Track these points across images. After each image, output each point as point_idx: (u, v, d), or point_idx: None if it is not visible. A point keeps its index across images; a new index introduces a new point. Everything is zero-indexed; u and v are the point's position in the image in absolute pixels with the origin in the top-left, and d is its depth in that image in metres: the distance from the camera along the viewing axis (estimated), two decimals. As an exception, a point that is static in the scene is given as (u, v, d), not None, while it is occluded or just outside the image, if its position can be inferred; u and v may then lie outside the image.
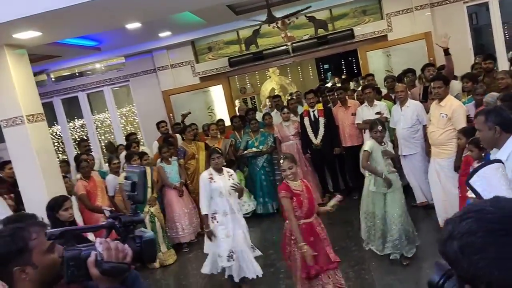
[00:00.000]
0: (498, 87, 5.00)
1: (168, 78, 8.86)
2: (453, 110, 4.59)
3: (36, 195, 4.16)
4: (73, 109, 9.75)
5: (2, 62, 4.01)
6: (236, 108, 9.11)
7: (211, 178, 4.28)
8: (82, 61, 8.46)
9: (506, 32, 8.91)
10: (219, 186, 4.24)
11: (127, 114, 10.07)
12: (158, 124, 7.38)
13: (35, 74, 5.37)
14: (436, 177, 4.83)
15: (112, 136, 9.71)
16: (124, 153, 6.67)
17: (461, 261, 0.88)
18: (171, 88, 8.77)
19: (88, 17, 4.03)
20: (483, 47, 9.39)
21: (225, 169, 4.45)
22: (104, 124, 10.09)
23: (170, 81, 8.86)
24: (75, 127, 9.95)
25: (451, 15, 8.13)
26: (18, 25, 3.68)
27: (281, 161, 3.73)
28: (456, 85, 5.69)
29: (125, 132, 9.59)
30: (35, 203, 3.87)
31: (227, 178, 4.31)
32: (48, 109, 8.82)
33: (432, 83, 4.90)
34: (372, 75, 7.52)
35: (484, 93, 4.78)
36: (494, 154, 2.71)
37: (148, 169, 5.46)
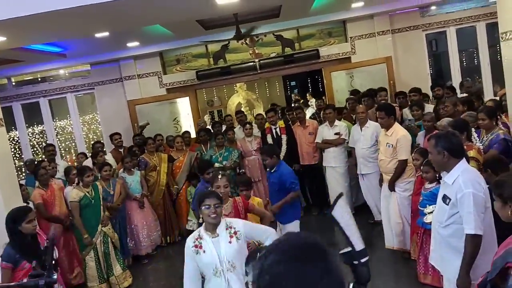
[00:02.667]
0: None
1: (135, 88, 8.82)
2: (397, 139, 4.73)
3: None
4: (33, 115, 9.50)
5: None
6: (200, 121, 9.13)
7: (198, 246, 2.76)
8: (46, 67, 8.29)
9: (464, 59, 9.44)
10: (212, 259, 2.74)
11: (90, 122, 9.90)
12: (111, 136, 7.05)
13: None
14: (384, 200, 5.03)
15: (74, 144, 9.52)
16: (84, 161, 6.56)
17: None
18: (137, 98, 8.73)
19: (56, 24, 4.01)
20: (441, 73, 9.89)
21: (225, 221, 2.85)
22: (65, 131, 9.88)
23: (136, 91, 8.82)
24: (34, 133, 9.68)
25: (411, 41, 8.56)
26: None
27: (219, 176, 3.59)
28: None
29: (87, 140, 9.44)
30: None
31: (227, 239, 2.77)
32: (7, 113, 8.58)
33: (377, 113, 5.04)
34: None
35: (432, 119, 4.94)
36: (444, 176, 2.89)
37: (99, 184, 5.33)
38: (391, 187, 4.77)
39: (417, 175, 4.49)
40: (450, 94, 6.31)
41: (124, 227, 5.80)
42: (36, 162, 6.56)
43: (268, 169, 4.80)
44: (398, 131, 4.83)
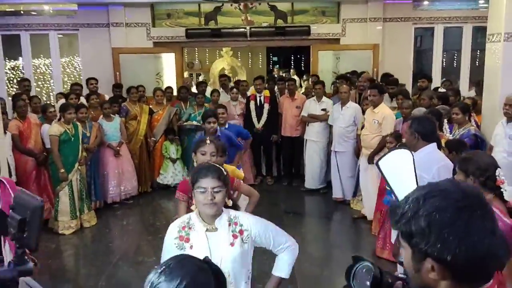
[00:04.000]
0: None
1: (121, 36, 8.64)
2: (384, 117, 5.04)
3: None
4: (10, 49, 9.18)
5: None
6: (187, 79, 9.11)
7: (184, 239, 2.04)
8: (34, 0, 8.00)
9: (445, 60, 9.73)
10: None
11: (67, 65, 9.67)
12: (87, 80, 7.07)
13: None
14: (364, 173, 5.30)
15: (48, 84, 9.31)
16: (61, 101, 6.49)
17: (428, 236, 0.95)
18: (122, 47, 8.58)
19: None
20: (421, 70, 10.17)
21: (229, 214, 2.10)
22: (38, 70, 9.61)
23: (122, 39, 8.64)
24: (11, 68, 9.39)
25: (400, 32, 8.73)
26: None
27: (207, 141, 2.92)
28: None
29: (65, 82, 9.25)
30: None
31: (228, 239, 2.03)
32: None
33: (369, 91, 5.33)
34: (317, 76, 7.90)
35: (410, 107, 5.11)
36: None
37: (80, 125, 5.35)
38: (370, 160, 5.03)
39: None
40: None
41: (95, 171, 5.83)
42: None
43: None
44: (385, 110, 5.14)
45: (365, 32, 8.63)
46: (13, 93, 7.86)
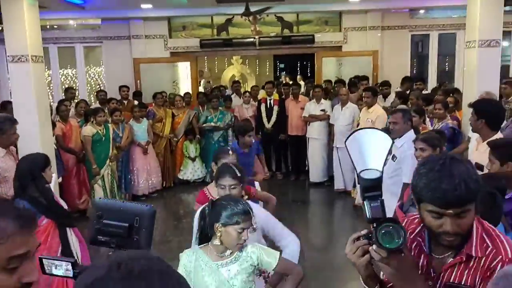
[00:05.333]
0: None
1: (141, 47, 9.45)
2: (377, 116, 5.73)
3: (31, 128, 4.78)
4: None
5: (18, 9, 4.65)
6: (201, 87, 9.90)
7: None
8: (62, 16, 8.84)
9: (447, 63, 10.38)
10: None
11: (92, 74, 10.50)
12: (120, 87, 7.96)
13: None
14: None
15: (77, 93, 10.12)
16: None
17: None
18: (142, 57, 9.39)
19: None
20: (422, 73, 10.85)
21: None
22: (66, 80, 10.44)
23: (142, 50, 9.45)
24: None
25: (398, 39, 9.44)
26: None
27: (230, 152, 3.14)
28: None
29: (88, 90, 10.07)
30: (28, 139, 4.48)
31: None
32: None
33: (364, 93, 6.06)
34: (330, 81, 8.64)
35: (397, 105, 5.80)
36: (396, 141, 3.88)
37: (111, 126, 6.17)
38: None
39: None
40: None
41: (126, 167, 6.61)
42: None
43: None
44: (378, 110, 5.85)
45: (365, 40, 9.35)
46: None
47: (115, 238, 1.51)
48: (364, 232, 1.37)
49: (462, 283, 1.41)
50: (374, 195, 1.35)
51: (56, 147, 5.66)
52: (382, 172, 1.35)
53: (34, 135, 4.82)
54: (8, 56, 4.73)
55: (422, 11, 9.53)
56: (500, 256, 1.37)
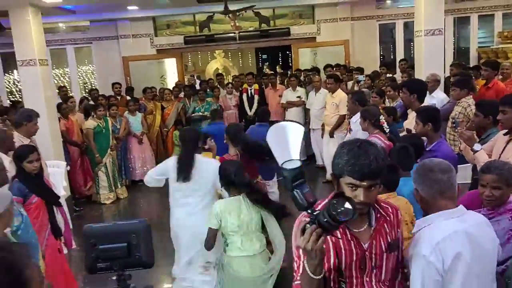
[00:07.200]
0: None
1: (129, 46, 10.12)
2: (340, 100, 6.48)
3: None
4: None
5: (25, 17, 5.31)
6: (187, 81, 10.61)
7: None
8: (53, 20, 9.43)
9: (411, 48, 11.15)
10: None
11: (83, 74, 11.12)
12: (113, 84, 8.56)
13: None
14: (326, 145, 6.83)
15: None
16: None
17: None
18: (130, 55, 10.05)
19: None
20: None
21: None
22: (58, 80, 11.06)
23: (130, 49, 10.11)
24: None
25: (366, 29, 10.25)
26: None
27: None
28: None
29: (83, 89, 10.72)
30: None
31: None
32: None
33: (327, 80, 6.83)
34: (300, 70, 9.41)
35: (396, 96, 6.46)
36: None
37: (110, 119, 6.89)
38: (331, 135, 6.54)
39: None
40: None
41: (124, 156, 7.35)
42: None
43: None
44: (341, 94, 6.60)
45: (337, 30, 10.13)
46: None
47: (116, 261, 1.48)
48: (306, 219, 1.41)
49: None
50: (301, 182, 1.39)
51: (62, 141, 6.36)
52: (301, 161, 1.43)
53: (44, 131, 5.50)
54: (18, 60, 5.41)
55: (388, 2, 10.34)
56: (393, 208, 1.79)
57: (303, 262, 1.50)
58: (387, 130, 4.03)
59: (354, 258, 1.65)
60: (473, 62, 9.59)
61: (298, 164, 1.40)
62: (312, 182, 7.40)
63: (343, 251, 1.65)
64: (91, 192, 6.80)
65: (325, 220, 1.34)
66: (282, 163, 1.40)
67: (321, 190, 7.05)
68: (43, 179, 3.66)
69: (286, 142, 1.44)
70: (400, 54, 10.43)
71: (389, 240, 1.71)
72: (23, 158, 3.40)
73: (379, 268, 1.69)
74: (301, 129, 1.49)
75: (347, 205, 1.34)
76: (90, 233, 1.58)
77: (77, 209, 6.41)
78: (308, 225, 1.38)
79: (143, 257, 1.49)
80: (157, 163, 7.95)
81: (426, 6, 5.64)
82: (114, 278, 1.54)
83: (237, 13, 9.67)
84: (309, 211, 1.39)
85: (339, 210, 1.33)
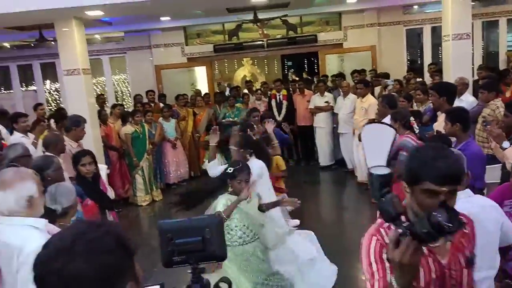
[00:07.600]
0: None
1: (161, 55, 10.51)
2: (369, 104, 6.59)
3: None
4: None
5: (69, 29, 5.70)
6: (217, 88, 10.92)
7: None
8: (90, 31, 9.91)
9: (440, 53, 11.14)
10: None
11: (116, 82, 11.59)
12: (147, 92, 8.91)
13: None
14: (356, 148, 6.93)
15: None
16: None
17: None
18: (162, 64, 10.44)
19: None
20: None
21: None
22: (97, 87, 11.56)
23: (162, 57, 10.50)
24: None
25: (393, 34, 10.32)
26: (95, 8, 5.39)
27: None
28: None
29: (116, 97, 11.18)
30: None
31: None
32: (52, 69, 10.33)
33: (357, 85, 6.99)
34: (327, 76, 9.57)
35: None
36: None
37: (146, 126, 7.21)
38: (360, 138, 6.67)
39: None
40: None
41: (159, 160, 7.67)
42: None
43: None
44: (371, 99, 6.72)
45: (364, 36, 10.24)
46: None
47: (191, 255, 1.53)
48: (399, 230, 1.28)
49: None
50: (387, 190, 1.31)
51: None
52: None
53: (87, 136, 5.82)
54: (63, 70, 5.79)
55: (415, 7, 10.40)
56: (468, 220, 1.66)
57: (381, 279, 1.43)
58: (417, 131, 4.15)
59: (434, 275, 1.53)
60: (502, 66, 9.54)
61: (387, 170, 1.39)
62: (341, 186, 7.56)
63: (421, 268, 1.49)
64: (128, 194, 7.13)
65: (425, 231, 1.21)
66: (370, 168, 1.37)
67: (348, 194, 7.19)
68: (99, 184, 3.83)
69: (379, 146, 1.46)
70: (427, 59, 10.44)
71: (467, 255, 1.60)
72: (77, 162, 3.61)
73: (459, 285, 1.59)
74: (392, 133, 1.47)
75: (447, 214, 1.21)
76: (165, 229, 1.62)
77: (116, 210, 6.72)
78: (402, 236, 1.26)
79: (217, 250, 1.54)
80: (190, 166, 8.31)
81: (454, 11, 5.74)
82: (189, 271, 1.60)
83: (265, 22, 9.96)
84: (397, 222, 1.29)
85: (440, 219, 1.20)
